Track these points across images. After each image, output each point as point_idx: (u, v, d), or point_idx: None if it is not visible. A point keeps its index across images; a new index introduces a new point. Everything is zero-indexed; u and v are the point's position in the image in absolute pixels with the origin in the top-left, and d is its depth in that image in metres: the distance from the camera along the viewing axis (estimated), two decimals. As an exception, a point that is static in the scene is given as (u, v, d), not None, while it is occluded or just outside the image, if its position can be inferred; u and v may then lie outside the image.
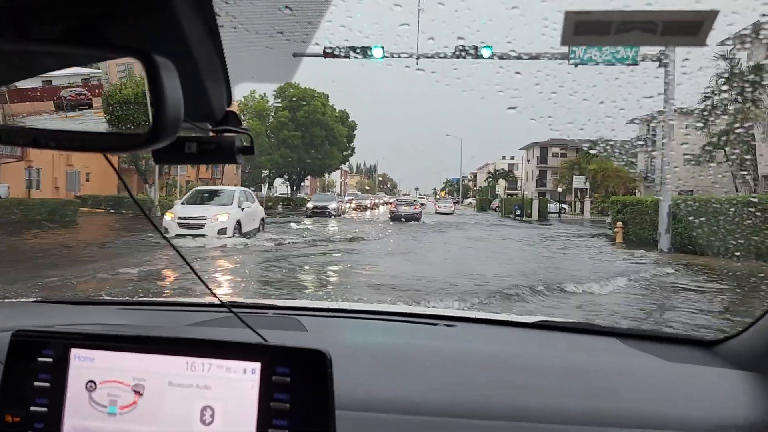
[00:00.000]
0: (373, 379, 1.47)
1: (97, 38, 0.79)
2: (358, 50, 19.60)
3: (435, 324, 2.03)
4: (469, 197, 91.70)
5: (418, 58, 19.50)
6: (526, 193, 64.34)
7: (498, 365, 1.61)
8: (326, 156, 55.19)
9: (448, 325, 2.01)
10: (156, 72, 0.75)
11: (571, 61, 18.38)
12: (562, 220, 43.74)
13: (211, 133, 0.96)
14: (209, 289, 1.24)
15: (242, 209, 19.68)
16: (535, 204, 44.16)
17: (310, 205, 38.56)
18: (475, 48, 19.16)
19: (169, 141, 0.79)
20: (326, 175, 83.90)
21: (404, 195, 68.69)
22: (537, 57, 18.63)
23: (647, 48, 18.02)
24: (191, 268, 1.20)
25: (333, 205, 37.21)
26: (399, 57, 19.74)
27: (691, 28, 1.60)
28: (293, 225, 27.24)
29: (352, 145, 60.54)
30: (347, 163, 72.40)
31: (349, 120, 59.09)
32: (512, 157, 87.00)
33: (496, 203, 63.12)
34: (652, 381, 1.54)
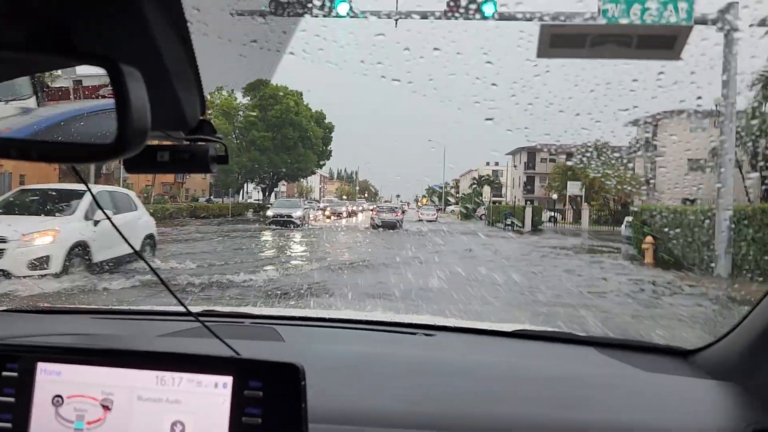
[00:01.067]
0: (350, 391, 1.45)
1: (62, 44, 0.77)
2: (317, 5, 15.27)
3: (414, 333, 2.03)
4: (451, 204, 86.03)
5: (397, 20, 15.84)
6: (512, 200, 60.05)
7: (477, 375, 1.61)
8: (300, 159, 49.94)
9: (426, 334, 2.01)
10: (121, 80, 0.74)
11: (603, 19, 13.49)
12: (557, 231, 38.84)
13: (185, 142, 0.94)
14: (178, 299, 1.22)
15: (95, 223, 10.98)
16: (528, 212, 38.81)
17: (270, 212, 31.92)
18: (477, 4, 15.07)
19: (137, 151, 0.78)
20: (304, 180, 78.96)
21: (386, 201, 64.01)
22: (557, 18, 13.15)
23: (704, 8, 13.15)
24: (159, 278, 1.18)
25: (298, 213, 30.87)
26: (371, 16, 15.91)
27: (666, 42, 1.62)
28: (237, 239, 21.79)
29: (329, 148, 55.64)
30: (324, 167, 66.66)
31: (326, 121, 54.30)
32: (496, 163, 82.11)
33: (481, 211, 59.55)
34: (628, 390, 1.55)
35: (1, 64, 0.81)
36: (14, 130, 0.82)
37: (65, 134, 0.82)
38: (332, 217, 44.31)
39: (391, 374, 1.58)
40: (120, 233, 1.19)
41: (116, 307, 2.63)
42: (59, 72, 0.83)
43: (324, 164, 60.09)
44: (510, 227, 36.97)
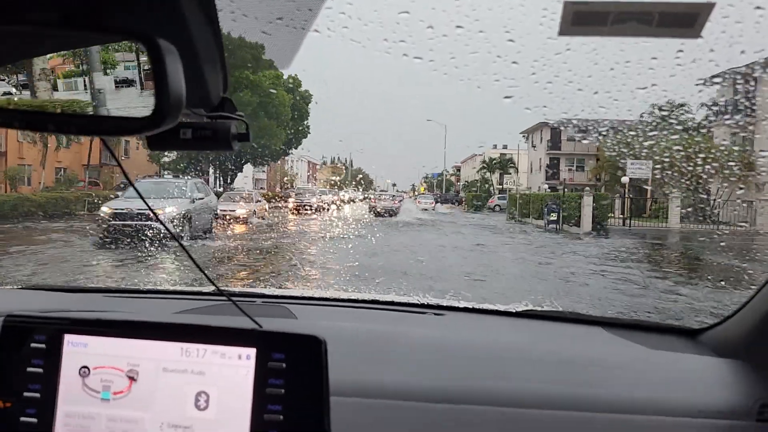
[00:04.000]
0: (363, 365, 1.48)
1: (98, 22, 0.79)
2: None
3: (423, 312, 2.04)
4: (452, 193, 75.54)
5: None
6: (531, 187, 48.84)
7: (486, 352, 1.63)
8: (262, 133, 35.70)
9: (436, 314, 2.02)
10: (159, 56, 0.75)
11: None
12: (633, 233, 24.31)
13: (206, 119, 0.96)
14: (209, 278, 1.25)
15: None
16: (587, 203, 24.84)
17: (107, 209, 16.04)
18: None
19: (172, 125, 0.79)
20: (289, 166, 69.34)
21: (381, 191, 55.64)
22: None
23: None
24: (191, 257, 1.21)
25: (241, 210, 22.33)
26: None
27: (686, 20, 1.60)
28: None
29: (306, 123, 44.11)
30: (301, 147, 50.00)
31: (302, 89, 43.32)
32: (505, 146, 68.89)
33: (494, 201, 49.27)
34: (636, 368, 1.57)
35: (38, 42, 0.82)
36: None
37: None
38: (300, 211, 32.38)
39: (402, 351, 1.60)
40: (149, 207, 1.33)
41: (135, 287, 2.66)
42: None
43: (300, 143, 47.54)
44: (555, 226, 25.10)
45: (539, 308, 2.13)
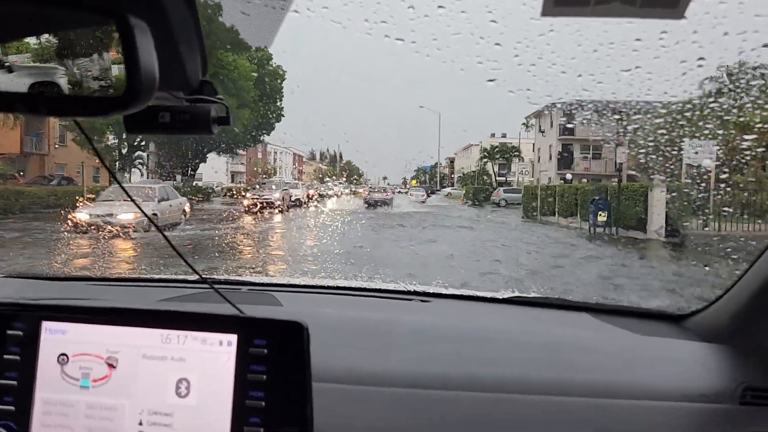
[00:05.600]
0: (348, 352, 1.48)
1: None
2: None
3: (409, 299, 2.04)
4: (446, 186, 69.02)
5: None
6: (539, 178, 41.70)
7: (472, 338, 1.63)
8: None
9: (422, 301, 2.02)
10: (130, 34, 0.73)
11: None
12: (709, 242, 14.99)
13: (185, 102, 0.94)
14: (190, 266, 1.24)
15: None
16: (657, 200, 17.59)
17: None
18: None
19: (144, 105, 0.77)
20: (272, 158, 62.84)
21: (371, 186, 48.32)
22: None
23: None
24: (171, 245, 1.20)
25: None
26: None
27: (670, 1, 1.60)
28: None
29: (279, 104, 36.69)
30: (270, 133, 41.71)
31: (272, 64, 35.93)
32: (504, 135, 61.25)
33: (500, 194, 39.70)
34: (622, 353, 1.58)
35: (8, 21, 0.80)
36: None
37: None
38: (255, 211, 24.12)
39: (388, 337, 1.60)
40: (137, 205, 1.29)
41: (116, 275, 2.64)
42: None
43: (273, 128, 38.85)
44: (604, 229, 18.69)
45: (526, 295, 2.14)
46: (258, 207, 24.34)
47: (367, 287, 2.21)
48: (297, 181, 40.60)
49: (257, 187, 30.78)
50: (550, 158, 42.15)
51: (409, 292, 2.11)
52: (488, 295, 2.10)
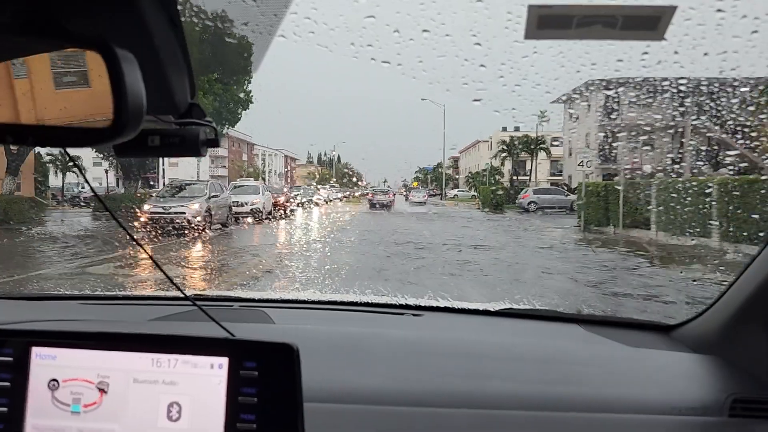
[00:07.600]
0: (341, 371, 1.48)
1: (56, 29, 0.76)
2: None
3: (402, 314, 2.04)
4: (450, 187, 62.85)
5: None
6: (570, 176, 34.81)
7: (464, 353, 1.63)
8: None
9: (414, 315, 2.03)
10: (117, 64, 0.74)
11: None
12: None
13: (174, 126, 0.95)
14: (173, 282, 1.23)
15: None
16: None
17: None
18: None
19: (132, 135, 0.78)
20: (258, 159, 57.67)
21: (372, 188, 50.01)
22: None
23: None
24: (154, 261, 1.19)
25: None
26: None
27: (649, 23, 1.63)
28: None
29: (247, 88, 27.63)
30: (235, 124, 30.01)
31: (238, 36, 22.92)
32: (516, 129, 50.98)
33: (528, 196, 32.22)
34: (612, 365, 1.59)
35: None
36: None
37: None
38: (156, 231, 16.93)
39: (380, 354, 1.60)
40: (108, 210, 1.29)
41: (106, 293, 2.63)
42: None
43: (238, 117, 29.41)
44: None
45: (517, 307, 2.15)
46: (159, 226, 17.05)
47: (360, 301, 2.21)
48: (261, 184, 29.42)
49: (163, 193, 20.79)
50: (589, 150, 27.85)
51: (401, 306, 2.11)
52: (481, 307, 2.11)
